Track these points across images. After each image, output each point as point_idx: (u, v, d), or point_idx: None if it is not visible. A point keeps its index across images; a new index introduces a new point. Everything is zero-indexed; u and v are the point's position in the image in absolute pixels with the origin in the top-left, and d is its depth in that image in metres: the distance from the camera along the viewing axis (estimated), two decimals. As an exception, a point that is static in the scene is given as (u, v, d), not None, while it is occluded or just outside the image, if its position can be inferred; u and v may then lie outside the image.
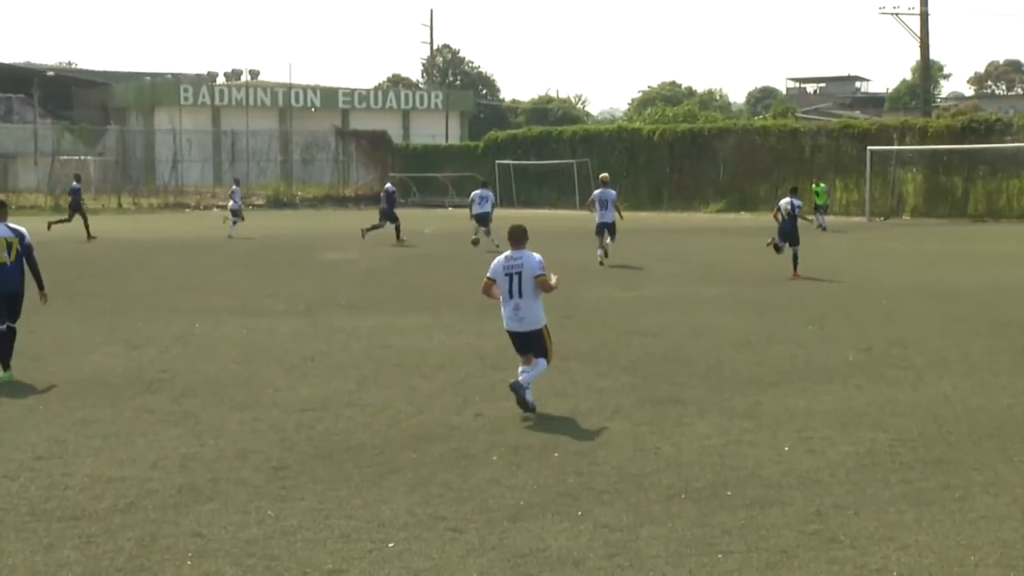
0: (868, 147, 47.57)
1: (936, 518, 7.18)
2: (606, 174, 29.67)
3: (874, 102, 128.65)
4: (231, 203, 37.41)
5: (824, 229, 37.90)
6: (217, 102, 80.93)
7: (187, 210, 58.75)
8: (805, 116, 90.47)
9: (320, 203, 63.96)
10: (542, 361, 10.48)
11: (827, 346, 13.70)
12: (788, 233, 23.08)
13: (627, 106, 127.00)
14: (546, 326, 10.59)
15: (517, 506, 7.51)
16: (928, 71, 63.61)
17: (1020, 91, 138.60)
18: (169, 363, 12.93)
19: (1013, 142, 46.00)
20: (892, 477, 8.10)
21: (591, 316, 16.62)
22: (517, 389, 10.19)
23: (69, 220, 35.45)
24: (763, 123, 59.37)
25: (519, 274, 10.43)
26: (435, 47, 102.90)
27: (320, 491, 7.86)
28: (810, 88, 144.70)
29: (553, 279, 10.52)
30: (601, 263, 25.28)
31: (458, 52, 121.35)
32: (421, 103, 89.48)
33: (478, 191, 31.75)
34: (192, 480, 8.16)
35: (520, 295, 10.43)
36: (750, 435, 9.39)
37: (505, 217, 50.29)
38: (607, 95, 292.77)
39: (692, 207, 54.08)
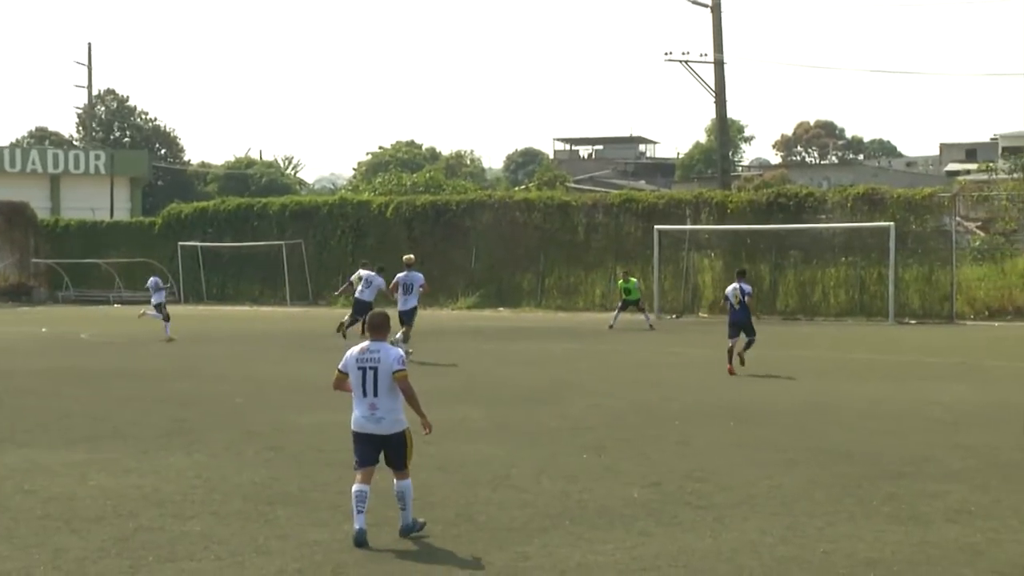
0: (655, 226, 49.47)
1: None
2: (411, 255, 32.21)
3: (663, 170, 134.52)
4: (155, 298, 37.27)
5: (652, 328, 40.32)
6: None
7: None
8: (578, 186, 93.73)
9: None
10: (408, 487, 11.40)
11: (607, 481, 14.05)
12: (741, 324, 26.16)
13: (352, 172, 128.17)
14: (409, 428, 11.54)
15: None
16: (726, 132, 66.88)
17: (835, 159, 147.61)
18: None
19: (828, 221, 48.82)
20: (688, 647, 8.34)
21: (305, 447, 16.52)
22: (407, 535, 11.24)
23: None
24: (525, 195, 60.90)
25: (375, 369, 11.47)
26: (95, 93, 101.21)
27: None
28: (583, 151, 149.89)
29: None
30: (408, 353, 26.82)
31: (127, 100, 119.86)
32: (76, 166, 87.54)
33: (366, 273, 33.32)
34: None
35: (376, 393, 11.44)
36: (511, 599, 9.50)
37: (194, 316, 49.36)
38: (326, 158, 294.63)
39: (437, 301, 54.69)
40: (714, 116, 64.71)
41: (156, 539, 11.39)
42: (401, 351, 11.70)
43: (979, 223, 58.90)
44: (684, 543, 11.18)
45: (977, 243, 53.32)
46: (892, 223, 45.23)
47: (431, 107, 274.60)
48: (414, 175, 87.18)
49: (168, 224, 65.33)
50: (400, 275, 30.38)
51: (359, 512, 11.18)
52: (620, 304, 41.94)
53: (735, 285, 26.60)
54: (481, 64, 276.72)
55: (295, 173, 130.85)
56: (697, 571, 10.28)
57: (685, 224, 50.64)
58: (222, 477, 14.33)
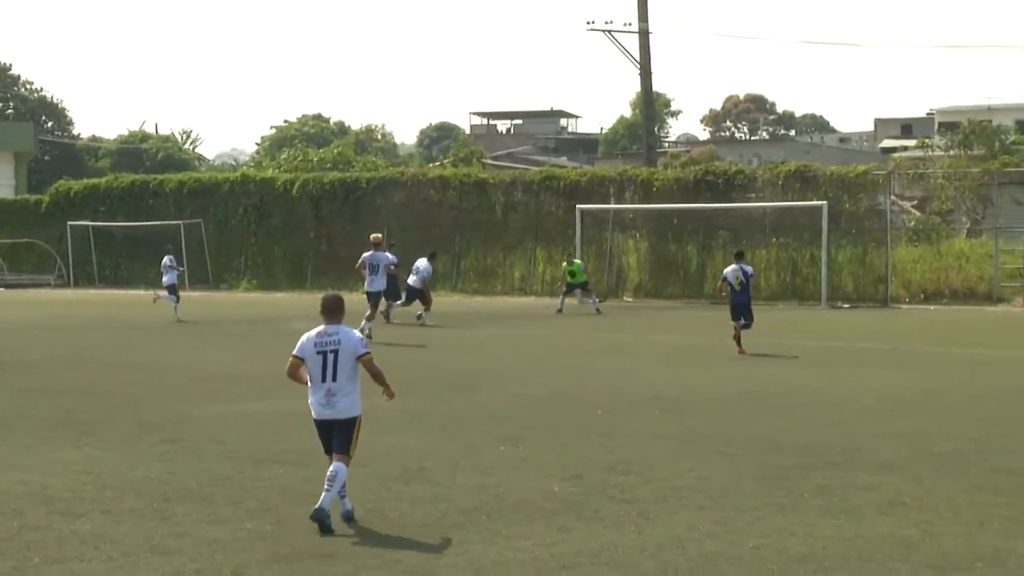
0: (577, 205, 49.59)
1: None
2: (378, 234, 33.79)
3: (585, 145, 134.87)
4: (168, 278, 39.35)
5: (599, 311, 40.56)
6: None
7: None
8: (495, 163, 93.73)
9: None
10: (342, 468, 11.58)
11: (525, 473, 14.09)
12: (742, 306, 27.68)
13: (255, 147, 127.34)
14: (360, 417, 11.94)
15: None
16: (651, 106, 67.21)
17: (765, 134, 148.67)
18: None
19: (758, 200, 49.16)
20: (610, 648, 8.37)
21: (204, 440, 16.42)
22: (320, 518, 11.29)
23: None
24: (440, 172, 60.86)
25: (335, 353, 11.88)
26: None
27: None
28: (501, 126, 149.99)
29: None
30: (369, 337, 28.52)
31: (9, 68, 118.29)
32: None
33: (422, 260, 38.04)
34: None
35: (335, 378, 11.83)
36: (423, 599, 9.50)
37: (85, 301, 48.79)
38: (227, 132, 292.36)
39: (347, 284, 54.49)
40: (639, 89, 65.00)
41: (43, 539, 11.27)
42: (360, 334, 12.11)
43: (915, 202, 59.57)
44: (607, 539, 11.22)
45: (912, 223, 53.95)
46: (825, 202, 45.61)
47: (339, 78, 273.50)
48: (321, 151, 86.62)
49: (56, 202, 64.55)
50: (366, 254, 31.66)
51: (341, 497, 11.65)
52: (565, 288, 42.09)
53: (735, 266, 27.94)
54: (393, 33, 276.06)
55: (193, 148, 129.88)
56: (620, 568, 10.33)
57: (608, 203, 50.83)
58: (114, 472, 14.20)
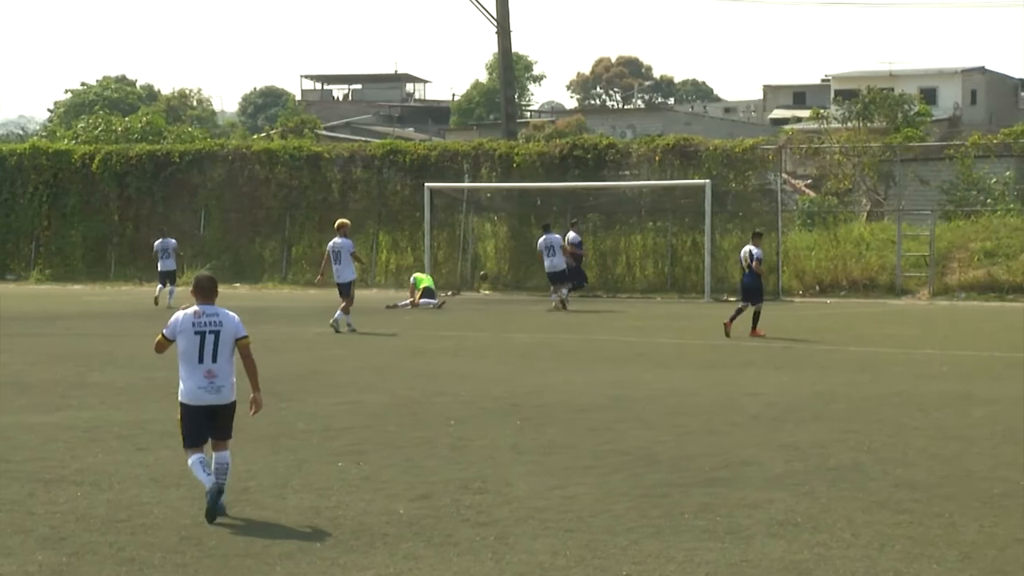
0: (426, 184, 49.56)
1: None
2: (344, 220, 34.72)
3: (435, 114, 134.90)
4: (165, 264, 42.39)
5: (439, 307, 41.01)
6: None
7: None
8: (331, 134, 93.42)
9: None
10: (227, 455, 13.07)
11: (366, 493, 14.05)
12: (745, 289, 30.89)
13: (48, 114, 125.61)
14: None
15: None
16: (511, 70, 67.27)
17: (640, 103, 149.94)
18: None
19: (633, 178, 49.51)
20: None
21: (-12, 457, 16.14)
22: (214, 505, 12.45)
23: None
24: (267, 145, 60.50)
25: (216, 334, 12.96)
26: None
27: None
28: (338, 91, 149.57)
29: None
30: (336, 330, 31.89)
31: None
32: None
33: (543, 237, 41.19)
34: None
35: (215, 359, 12.93)
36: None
37: None
38: (13, 96, 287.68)
39: (154, 276, 53.87)
40: (496, 50, 65.01)
41: None
42: (238, 317, 13.22)
43: (809, 181, 60.46)
44: (460, 567, 11.24)
45: (806, 205, 54.67)
46: (708, 180, 46.07)
47: (147, 35, 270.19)
48: (127, 119, 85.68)
49: None
50: (330, 242, 32.87)
51: (207, 473, 12.73)
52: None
53: (748, 248, 30.64)
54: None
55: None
56: (474, 601, 10.35)
57: (462, 181, 50.85)
58: None
